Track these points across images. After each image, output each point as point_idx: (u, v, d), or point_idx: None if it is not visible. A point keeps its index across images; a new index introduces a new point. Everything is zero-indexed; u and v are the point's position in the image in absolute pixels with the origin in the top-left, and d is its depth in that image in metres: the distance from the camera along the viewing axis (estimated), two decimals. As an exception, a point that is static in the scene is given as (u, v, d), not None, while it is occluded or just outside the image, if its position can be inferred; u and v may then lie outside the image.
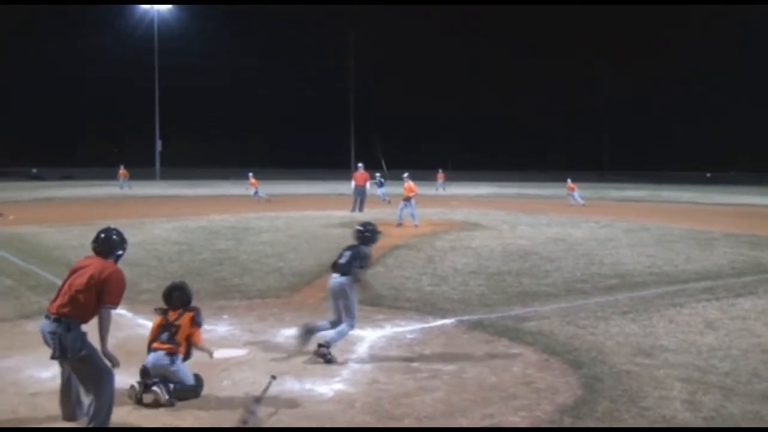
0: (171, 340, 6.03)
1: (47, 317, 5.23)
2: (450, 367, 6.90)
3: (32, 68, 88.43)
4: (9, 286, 10.81)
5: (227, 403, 5.88)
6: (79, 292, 5.13)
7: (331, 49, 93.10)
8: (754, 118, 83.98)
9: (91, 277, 5.17)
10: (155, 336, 6.09)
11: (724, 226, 21.96)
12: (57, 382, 5.59)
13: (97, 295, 5.17)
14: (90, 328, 5.25)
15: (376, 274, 11.13)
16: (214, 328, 8.28)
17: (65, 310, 5.11)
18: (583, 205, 31.47)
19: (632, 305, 9.82)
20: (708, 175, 76.48)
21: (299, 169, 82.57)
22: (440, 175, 49.87)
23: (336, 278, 7.31)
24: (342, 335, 7.23)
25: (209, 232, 18.44)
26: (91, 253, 5.53)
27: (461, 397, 6.09)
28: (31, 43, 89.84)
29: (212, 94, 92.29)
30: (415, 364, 7.03)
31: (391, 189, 32.91)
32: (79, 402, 5.38)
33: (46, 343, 5.35)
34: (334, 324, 7.30)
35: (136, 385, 5.84)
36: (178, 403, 5.81)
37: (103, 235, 5.55)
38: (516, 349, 7.55)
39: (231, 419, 5.49)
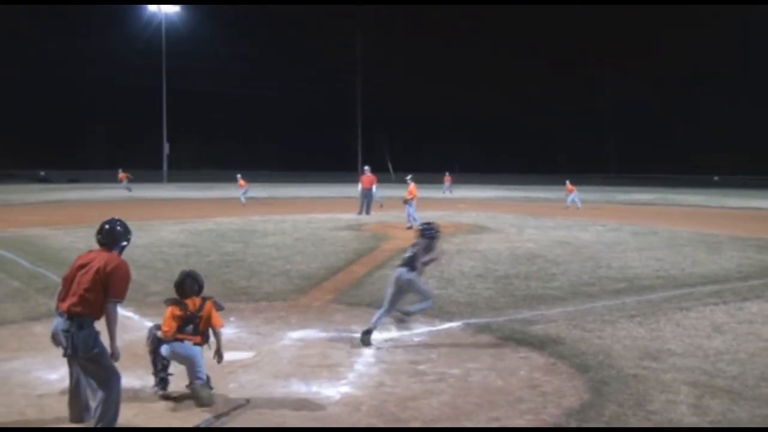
0: (197, 331, 6.04)
1: (60, 315, 5.24)
2: (456, 371, 6.90)
3: (35, 69, 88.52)
4: (17, 288, 10.85)
5: (233, 406, 5.87)
6: (88, 291, 5.13)
7: (338, 52, 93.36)
8: (754, 118, 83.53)
9: (97, 272, 5.17)
10: (178, 327, 5.99)
11: (731, 229, 21.92)
12: (64, 384, 5.62)
13: (104, 290, 5.16)
14: (101, 328, 5.25)
15: (381, 277, 11.16)
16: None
17: (77, 309, 5.11)
18: (579, 208, 30.88)
19: (639, 309, 9.79)
20: (715, 178, 76.20)
21: (306, 172, 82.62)
22: (447, 178, 49.16)
23: (399, 270, 7.98)
24: (423, 310, 8.10)
25: (216, 235, 18.50)
26: (96, 247, 5.52)
27: (467, 400, 6.08)
28: (31, 43, 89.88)
29: (219, 96, 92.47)
30: (421, 367, 7.03)
31: (397, 192, 32.90)
32: (87, 406, 5.40)
33: (54, 342, 5.38)
34: (387, 312, 7.96)
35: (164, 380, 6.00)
36: (185, 404, 5.83)
37: (107, 227, 5.54)
38: (523, 353, 7.55)
39: (235, 421, 5.50)
